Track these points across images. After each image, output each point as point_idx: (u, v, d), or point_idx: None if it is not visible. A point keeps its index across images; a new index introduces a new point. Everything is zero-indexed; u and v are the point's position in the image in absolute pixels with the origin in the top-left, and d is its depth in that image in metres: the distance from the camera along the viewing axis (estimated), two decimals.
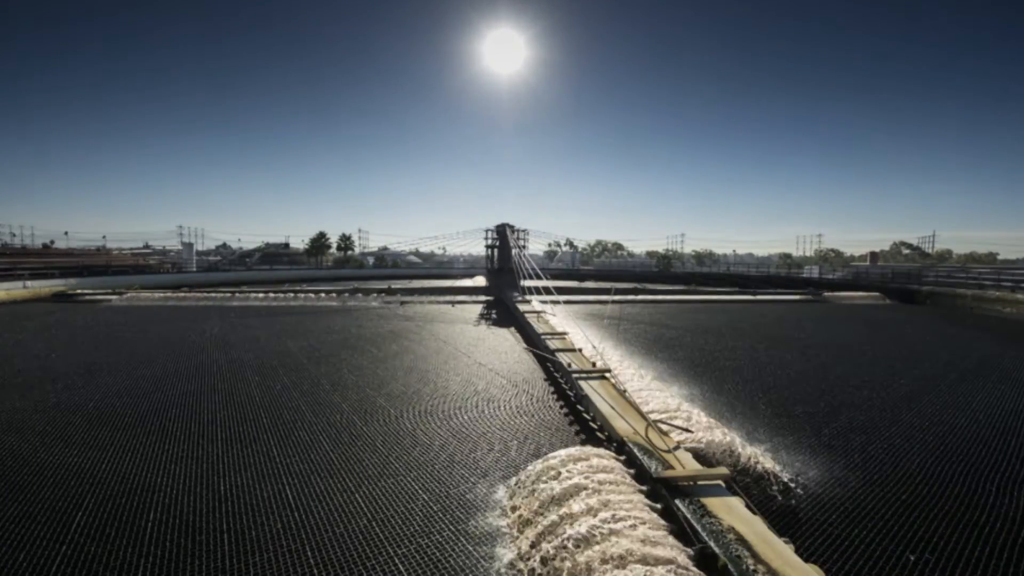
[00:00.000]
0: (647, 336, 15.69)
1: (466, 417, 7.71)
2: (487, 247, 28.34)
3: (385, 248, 74.10)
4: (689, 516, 4.08)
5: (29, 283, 27.41)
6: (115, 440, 6.73)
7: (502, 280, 27.82)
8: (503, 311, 22.17)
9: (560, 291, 30.51)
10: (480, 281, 29.50)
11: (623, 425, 6.16)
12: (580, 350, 10.86)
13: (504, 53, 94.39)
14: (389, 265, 67.02)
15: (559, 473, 4.99)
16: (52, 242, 54.65)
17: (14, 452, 6.31)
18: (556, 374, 10.04)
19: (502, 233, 28.18)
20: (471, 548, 4.32)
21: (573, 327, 16.44)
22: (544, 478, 5.01)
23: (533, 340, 13.10)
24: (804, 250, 79.77)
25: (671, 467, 4.92)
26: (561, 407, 8.20)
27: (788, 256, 76.49)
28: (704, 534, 3.85)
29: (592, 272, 57.20)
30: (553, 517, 4.30)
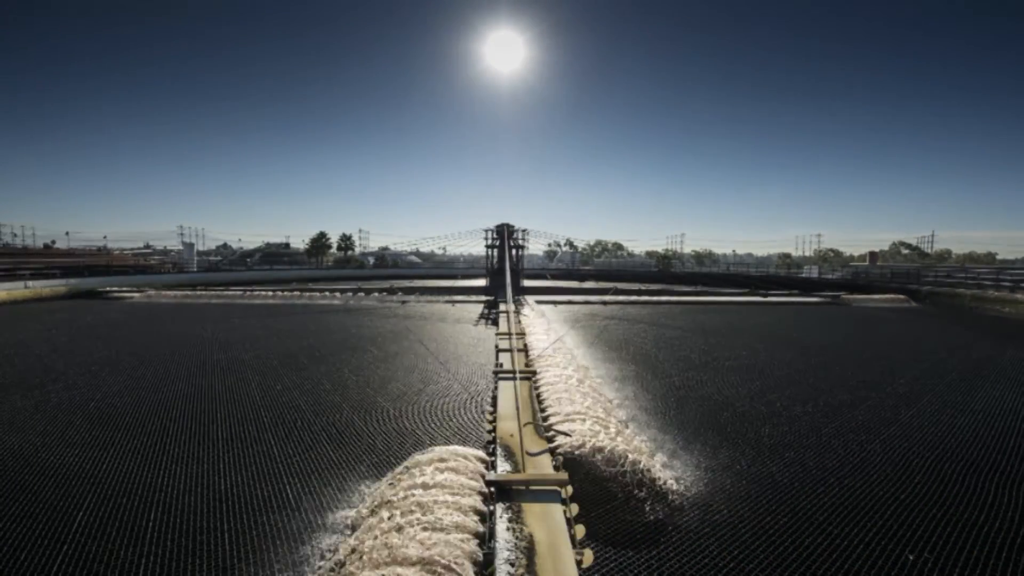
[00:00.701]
0: (637, 338, 15.69)
1: (450, 415, 7.72)
2: (487, 247, 28.35)
3: (385, 248, 74.17)
4: (498, 519, 4.06)
5: (30, 283, 27.44)
6: (115, 439, 6.73)
7: (502, 280, 27.82)
8: (498, 310, 22.12)
9: (559, 291, 30.78)
10: (480, 281, 29.51)
11: (506, 426, 6.11)
12: (526, 350, 10.88)
13: (504, 54, 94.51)
14: (389, 265, 67.07)
15: (414, 472, 4.99)
16: (53, 242, 54.76)
17: (14, 451, 6.32)
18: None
19: (502, 233, 28.19)
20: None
21: (558, 327, 16.51)
22: (400, 477, 5.02)
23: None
24: (803, 250, 79.79)
25: (518, 471, 4.93)
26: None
27: (788, 256, 76.51)
28: (498, 539, 3.82)
29: (592, 272, 57.21)
30: (377, 517, 4.27)
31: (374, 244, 74.32)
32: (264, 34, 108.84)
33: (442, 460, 5.08)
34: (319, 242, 65.10)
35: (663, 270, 60.04)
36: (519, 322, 15.90)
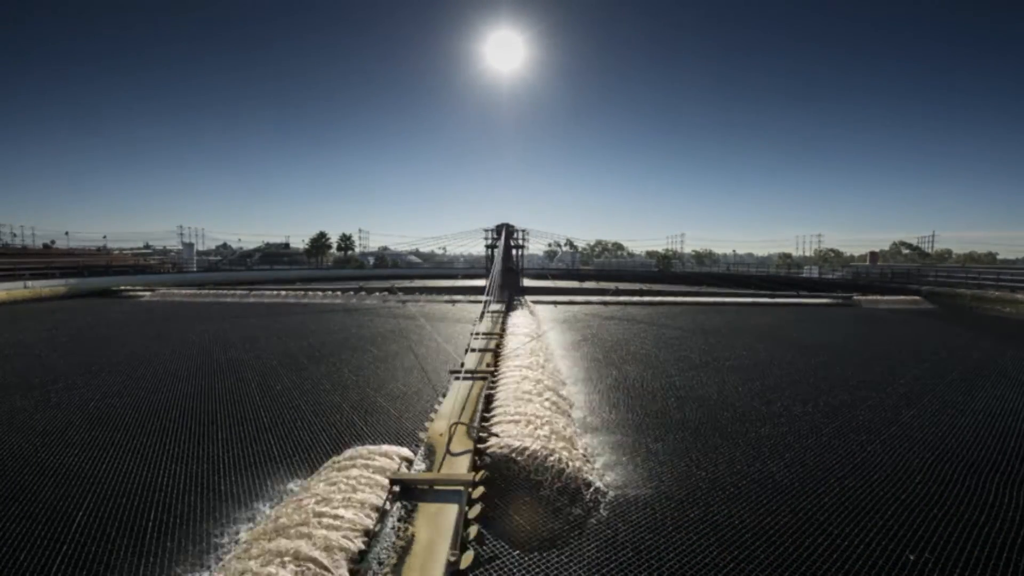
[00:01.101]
0: (636, 339, 15.68)
1: None
2: (487, 247, 28.35)
3: (385, 248, 74.15)
4: (389, 517, 4.11)
5: (29, 283, 27.45)
6: (115, 439, 6.73)
7: (502, 280, 27.82)
8: (498, 310, 22.11)
9: (560, 291, 30.76)
10: (481, 281, 29.53)
11: (439, 426, 6.13)
12: (497, 350, 10.84)
13: (504, 54, 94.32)
14: (389, 265, 67.07)
15: (332, 469, 5.15)
16: (53, 242, 54.71)
17: (14, 452, 6.32)
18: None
19: (501, 233, 28.21)
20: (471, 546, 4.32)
21: (548, 328, 16.51)
22: (324, 472, 5.18)
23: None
24: (804, 250, 79.78)
25: (431, 470, 4.99)
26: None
27: (788, 256, 76.51)
28: (381, 536, 3.87)
29: (592, 272, 57.21)
30: (276, 512, 4.41)
31: (374, 244, 74.35)
32: (264, 35, 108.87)
33: (363, 458, 5.21)
34: (319, 242, 65.06)
35: (663, 270, 60.04)
36: (502, 322, 15.84)
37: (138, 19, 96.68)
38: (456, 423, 6.06)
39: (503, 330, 14.26)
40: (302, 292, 28.22)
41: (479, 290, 27.59)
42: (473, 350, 10.85)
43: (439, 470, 5.02)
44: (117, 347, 13.34)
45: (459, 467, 5.10)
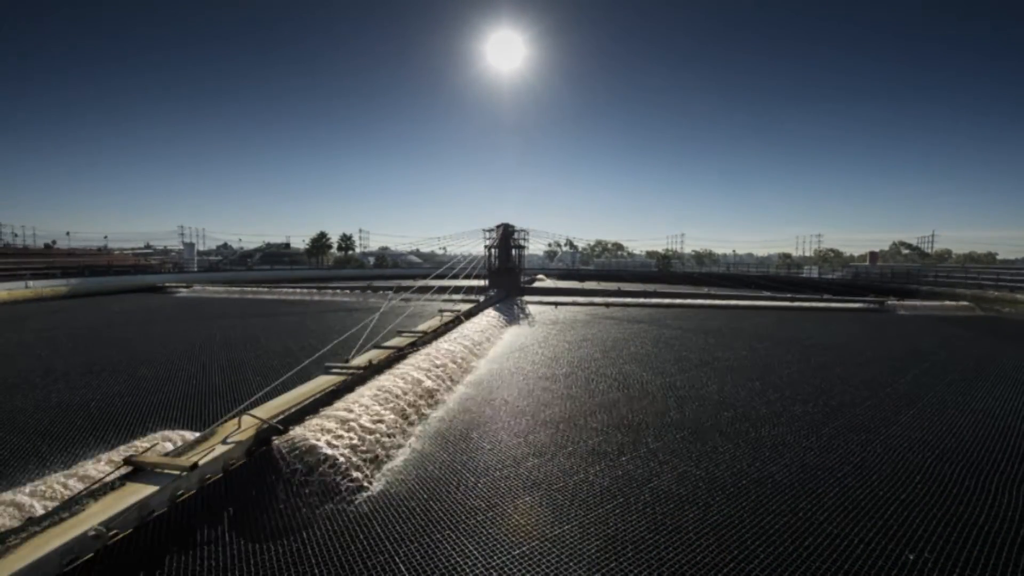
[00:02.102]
0: (631, 342, 15.67)
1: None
2: (486, 247, 28.33)
3: (386, 248, 74.18)
4: (94, 496, 4.26)
5: (31, 283, 27.48)
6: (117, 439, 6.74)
7: (501, 280, 27.81)
8: (500, 310, 22.12)
9: (561, 292, 30.73)
10: (481, 281, 29.52)
11: (247, 418, 6.13)
12: (403, 348, 10.63)
13: (505, 53, 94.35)
14: (390, 265, 67.05)
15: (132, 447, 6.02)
16: (54, 242, 54.70)
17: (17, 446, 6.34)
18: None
19: (502, 233, 28.19)
20: (471, 546, 4.33)
21: (517, 330, 16.37)
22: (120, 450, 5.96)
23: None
24: (804, 250, 79.77)
25: (180, 453, 5.16)
26: None
27: (788, 256, 76.51)
28: (76, 509, 4.04)
29: (592, 272, 57.18)
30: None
31: (374, 244, 74.39)
32: (265, 36, 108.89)
33: (155, 440, 6.17)
34: (319, 242, 65.03)
35: (663, 270, 60.01)
36: (454, 323, 15.04)
37: (139, 19, 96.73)
38: (254, 415, 6.12)
39: (441, 330, 13.61)
40: (323, 289, 31.80)
41: (480, 290, 27.64)
42: (377, 346, 10.69)
43: (187, 455, 5.07)
44: (120, 346, 13.37)
45: (212, 454, 5.16)
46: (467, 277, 27.43)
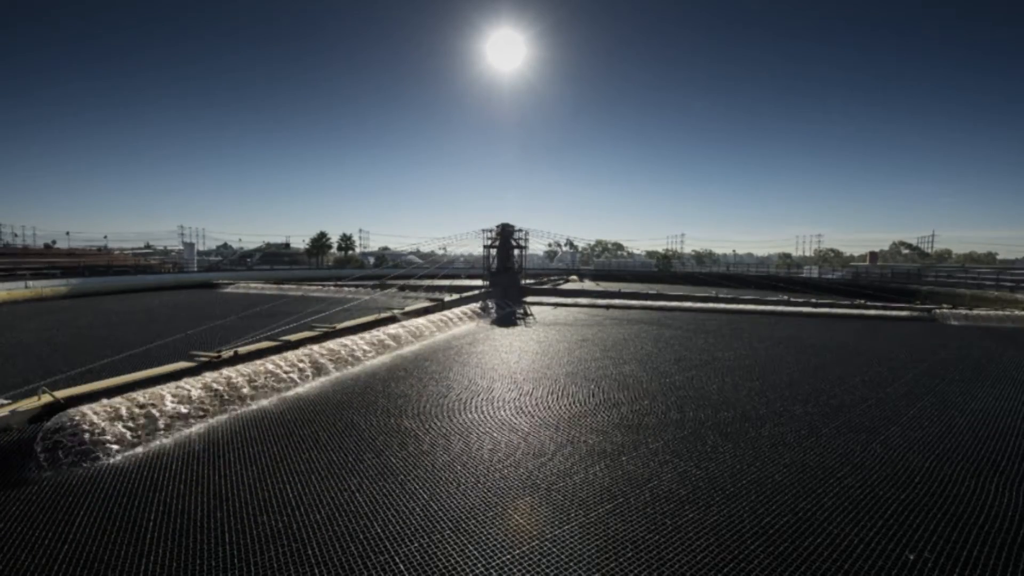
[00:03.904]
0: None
1: (469, 417, 7.73)
2: (485, 247, 28.32)
3: (386, 248, 74.20)
4: None
5: (31, 283, 27.46)
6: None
7: (501, 280, 27.80)
8: (499, 310, 22.13)
9: (558, 292, 30.73)
10: (479, 281, 29.52)
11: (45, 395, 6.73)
12: (295, 341, 10.90)
13: (505, 53, 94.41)
14: (390, 265, 67.04)
15: None
16: (54, 242, 54.73)
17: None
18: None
19: (502, 233, 28.18)
20: (470, 547, 4.33)
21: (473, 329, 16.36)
22: None
23: None
24: (803, 250, 79.85)
25: None
26: None
27: (788, 256, 76.55)
28: None
29: (592, 272, 57.17)
30: None
31: (374, 244, 74.46)
32: (265, 35, 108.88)
33: None
34: (319, 242, 65.05)
35: (664, 270, 60.00)
36: (379, 316, 14.77)
37: (138, 19, 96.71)
38: (46, 392, 6.65)
39: (372, 324, 13.77)
40: (342, 286, 32.96)
41: (477, 291, 27.65)
42: (272, 338, 10.92)
43: None
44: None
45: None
46: (468, 277, 27.40)
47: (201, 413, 7.43)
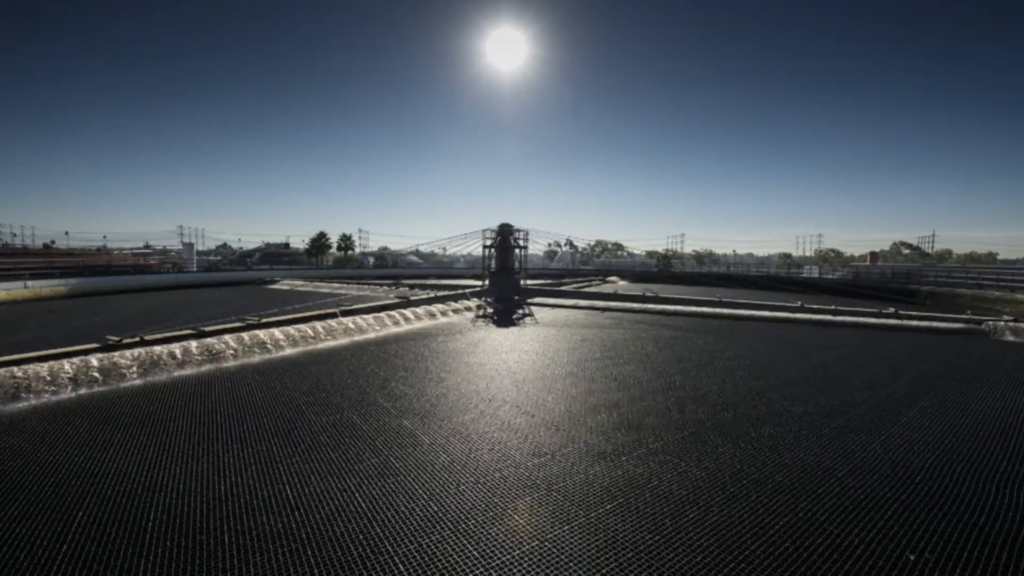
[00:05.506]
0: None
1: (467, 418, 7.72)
2: (484, 247, 28.29)
3: (385, 248, 74.22)
4: None
5: (29, 283, 27.44)
6: (115, 439, 6.74)
7: (500, 280, 27.78)
8: (498, 310, 22.14)
9: (558, 293, 30.70)
10: (479, 282, 29.55)
11: None
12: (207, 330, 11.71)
13: (505, 52, 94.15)
14: (390, 265, 67.02)
15: None
16: (53, 242, 54.68)
17: (14, 451, 6.33)
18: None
19: (502, 233, 28.15)
20: (470, 547, 4.33)
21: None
22: None
23: None
24: (804, 250, 79.89)
25: None
26: None
27: (788, 256, 76.58)
28: None
29: (592, 272, 57.16)
30: None
31: (374, 244, 74.49)
32: (264, 34, 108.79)
33: None
34: (319, 242, 65.08)
35: (664, 270, 60.00)
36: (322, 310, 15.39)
37: (136, 17, 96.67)
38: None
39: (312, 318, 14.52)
40: (360, 285, 34.13)
41: (477, 290, 27.64)
42: (194, 327, 11.81)
43: None
44: None
45: None
46: (471, 277, 27.48)
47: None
